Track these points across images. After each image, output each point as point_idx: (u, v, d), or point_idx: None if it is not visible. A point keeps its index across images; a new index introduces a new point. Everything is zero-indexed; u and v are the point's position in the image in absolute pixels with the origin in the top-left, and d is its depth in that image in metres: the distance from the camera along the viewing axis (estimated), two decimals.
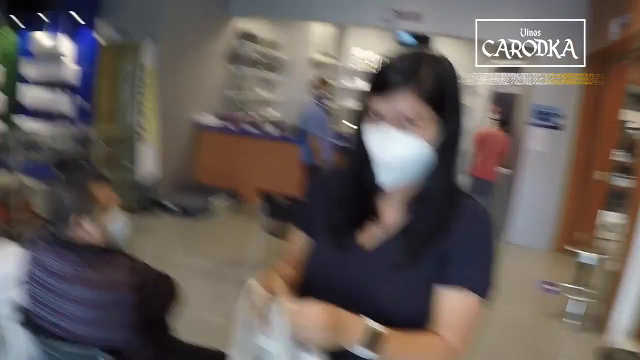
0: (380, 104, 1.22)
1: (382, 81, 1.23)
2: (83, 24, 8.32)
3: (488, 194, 8.10)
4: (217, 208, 8.12)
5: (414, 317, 1.26)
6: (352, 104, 12.59)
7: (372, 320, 1.13)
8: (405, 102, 1.19)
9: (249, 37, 9.88)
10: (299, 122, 7.21)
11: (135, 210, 7.41)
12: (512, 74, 8.68)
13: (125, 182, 7.77)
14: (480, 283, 1.28)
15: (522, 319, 5.47)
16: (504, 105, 8.79)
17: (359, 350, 1.10)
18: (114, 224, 2.08)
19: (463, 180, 8.04)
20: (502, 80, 9.00)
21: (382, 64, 1.26)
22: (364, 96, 1.29)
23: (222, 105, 9.78)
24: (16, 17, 8.67)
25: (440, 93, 1.22)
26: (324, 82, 7.09)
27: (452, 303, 1.25)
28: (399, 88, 1.19)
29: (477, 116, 10.59)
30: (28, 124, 8.60)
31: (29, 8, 8.45)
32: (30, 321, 1.98)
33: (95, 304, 1.87)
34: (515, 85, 8.64)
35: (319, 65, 12.10)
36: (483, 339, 4.88)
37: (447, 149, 1.26)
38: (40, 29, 8.60)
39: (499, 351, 4.70)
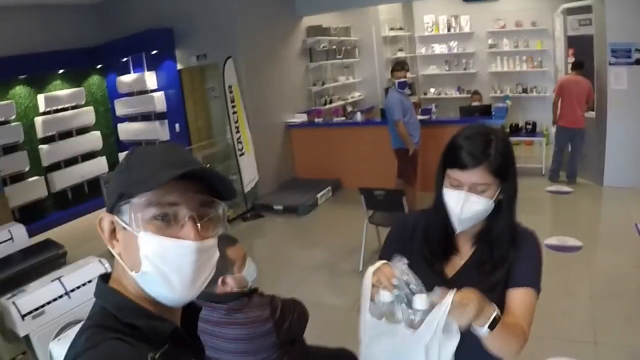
0: (459, 175, 1.67)
1: (460, 160, 1.66)
2: (163, 57, 9.00)
3: (578, 141, 8.16)
4: (320, 200, 8.56)
5: None
6: (432, 70, 12.73)
7: (496, 307, 1.53)
8: (478, 176, 1.65)
9: (320, 31, 10.18)
10: (384, 107, 7.41)
11: (247, 217, 8.00)
12: (582, 15, 8.61)
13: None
14: (533, 280, 1.74)
15: (623, 265, 5.43)
16: (581, 47, 8.65)
17: (482, 328, 1.51)
18: (247, 271, 2.55)
19: (551, 131, 8.05)
20: (573, 22, 8.91)
21: (459, 143, 1.68)
22: (441, 166, 1.74)
23: (309, 102, 10.20)
24: (102, 64, 9.51)
25: (504, 166, 1.67)
26: (402, 67, 7.13)
27: (518, 299, 1.70)
28: (474, 166, 1.64)
29: (557, 61, 10.52)
30: None
31: (113, 55, 9.17)
32: None
33: (244, 338, 2.35)
34: (588, 25, 8.49)
35: (392, 40, 12.28)
36: (586, 286, 5.08)
37: (508, 201, 1.74)
38: (124, 70, 9.38)
39: (600, 297, 4.78)
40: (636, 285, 5.02)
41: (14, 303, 3.54)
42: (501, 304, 1.67)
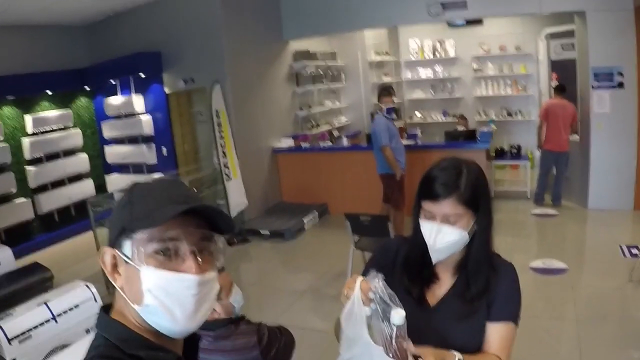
0: (432, 207, 1.72)
1: (432, 192, 1.71)
2: (150, 80, 9.02)
3: (563, 164, 8.24)
4: (307, 225, 8.55)
5: (476, 350, 1.75)
6: (417, 94, 12.83)
7: (458, 353, 1.59)
8: (449, 207, 1.69)
9: (306, 55, 10.26)
10: (371, 132, 7.37)
11: (234, 242, 7.98)
12: (565, 39, 8.76)
13: None
14: (512, 313, 1.77)
15: (608, 287, 5.47)
16: (564, 71, 8.80)
17: None
18: (234, 298, 2.55)
19: (535, 154, 8.14)
20: (556, 46, 9.06)
21: (431, 176, 1.74)
22: (418, 199, 1.78)
23: (295, 126, 10.24)
24: (89, 86, 9.52)
25: (475, 197, 1.71)
26: (389, 93, 7.20)
27: (497, 332, 1.75)
28: (444, 198, 1.69)
29: (541, 85, 10.67)
30: (117, 179, 9.43)
31: (100, 77, 9.19)
32: None
33: None
34: (571, 50, 8.64)
35: (378, 65, 12.38)
36: (571, 308, 5.11)
37: (483, 231, 1.76)
38: (112, 92, 9.40)
39: (586, 320, 4.79)
40: (621, 307, 5.10)
41: (0, 327, 3.52)
42: (479, 335, 1.76)
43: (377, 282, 1.51)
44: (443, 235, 1.70)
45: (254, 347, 2.37)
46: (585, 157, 8.03)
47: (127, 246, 1.08)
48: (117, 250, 1.10)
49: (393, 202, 7.07)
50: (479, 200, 1.72)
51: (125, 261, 1.09)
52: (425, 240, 1.75)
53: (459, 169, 1.73)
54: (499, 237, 1.86)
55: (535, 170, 9.56)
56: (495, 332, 1.75)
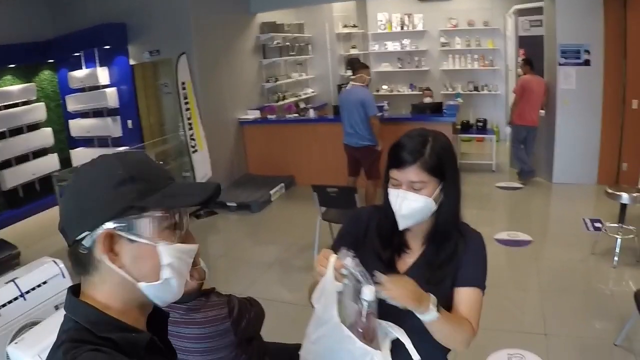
0: (397, 175, 1.77)
1: (398, 159, 1.76)
2: (115, 52, 8.84)
3: (531, 139, 8.34)
4: (274, 197, 8.56)
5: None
6: (384, 67, 12.82)
7: (433, 296, 1.62)
8: (413, 174, 1.73)
9: (273, 27, 10.16)
10: (359, 103, 7.00)
11: (200, 215, 7.92)
12: (534, 16, 8.80)
13: None
14: (478, 279, 1.83)
15: (571, 259, 5.59)
16: (532, 47, 8.84)
17: (429, 311, 1.59)
18: (202, 263, 2.52)
19: (507, 130, 8.15)
20: (524, 23, 9.10)
21: (398, 144, 1.78)
22: (387, 168, 1.82)
23: (262, 98, 10.17)
24: (53, 59, 9.29)
25: (440, 164, 1.74)
26: (365, 66, 7.26)
27: (465, 297, 1.81)
28: (409, 164, 1.73)
29: (508, 60, 10.74)
30: (82, 153, 9.25)
31: (64, 49, 8.98)
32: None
33: (203, 337, 2.36)
34: (539, 27, 8.69)
35: (346, 37, 12.33)
36: (535, 279, 5.20)
37: (450, 199, 1.80)
38: (76, 65, 9.18)
39: (550, 290, 4.91)
40: (584, 279, 5.20)
41: None
42: (448, 300, 1.81)
43: (349, 260, 1.54)
44: (408, 201, 1.74)
45: (225, 319, 2.38)
46: (550, 132, 8.15)
47: (138, 224, 1.07)
48: (117, 230, 1.06)
49: (374, 174, 6.97)
50: (444, 168, 1.75)
51: (131, 239, 1.07)
52: (392, 206, 1.79)
53: (425, 137, 1.77)
54: (464, 209, 1.89)
55: (501, 144, 9.66)
56: (463, 297, 1.81)
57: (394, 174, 1.78)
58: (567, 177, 8.05)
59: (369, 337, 1.57)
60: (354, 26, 12.32)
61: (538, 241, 6.12)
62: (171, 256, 1.10)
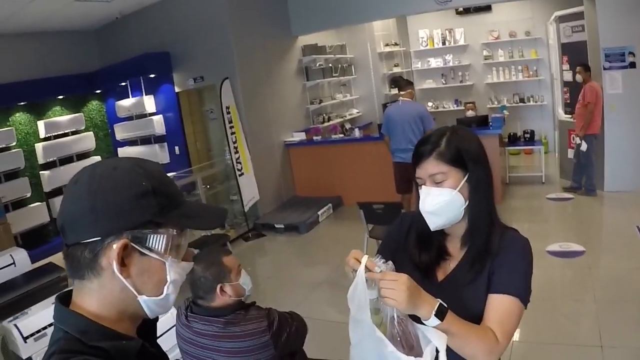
0: (419, 171, 1.71)
1: (417, 156, 1.72)
2: (160, 80, 9.08)
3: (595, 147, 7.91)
4: (321, 218, 8.56)
5: (478, 323, 1.66)
6: (428, 84, 12.77)
7: (442, 301, 1.50)
8: (431, 166, 1.67)
9: (315, 49, 10.25)
10: (417, 118, 6.98)
11: (249, 237, 8.00)
12: (575, 22, 8.65)
13: (236, 214, 8.42)
14: (517, 288, 1.65)
15: (626, 268, 5.41)
16: (575, 54, 8.67)
17: (430, 318, 1.49)
18: (243, 280, 2.56)
19: (582, 147, 7.78)
20: (566, 29, 8.95)
21: (417, 143, 1.74)
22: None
23: (307, 120, 10.25)
24: (100, 89, 9.61)
25: (459, 154, 1.67)
26: (410, 83, 7.29)
27: (497, 304, 1.64)
28: (426, 158, 1.68)
29: (552, 69, 10.58)
30: None
31: (110, 79, 9.25)
32: None
33: (243, 351, 2.34)
34: (581, 32, 8.53)
35: (388, 55, 12.35)
36: (590, 291, 5.06)
37: (477, 188, 1.70)
38: (123, 94, 9.48)
39: (605, 301, 4.74)
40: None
41: (16, 325, 3.55)
42: (480, 302, 1.67)
43: (380, 263, 1.51)
44: (432, 197, 1.67)
45: (264, 332, 2.36)
46: (599, 139, 7.89)
47: (152, 239, 1.07)
48: (131, 242, 1.04)
49: None
50: (465, 158, 1.68)
51: (143, 253, 1.06)
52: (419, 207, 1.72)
53: (442, 132, 1.73)
54: (515, 223, 1.82)
55: (550, 155, 9.49)
56: (494, 304, 1.64)
57: (417, 172, 1.72)
58: (618, 185, 7.82)
59: (408, 344, 1.52)
60: (396, 44, 12.31)
61: (591, 251, 5.95)
62: (176, 273, 1.12)
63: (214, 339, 2.37)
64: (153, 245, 1.07)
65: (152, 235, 1.06)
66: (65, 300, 1.10)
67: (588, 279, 5.33)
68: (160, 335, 3.34)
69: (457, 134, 1.72)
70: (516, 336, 4.31)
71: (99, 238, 1.02)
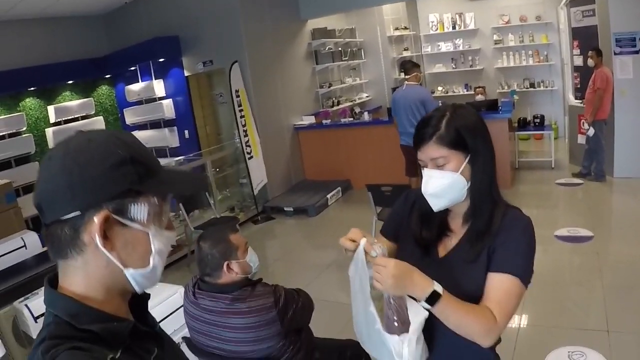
0: (420, 155, 1.72)
1: (418, 139, 1.71)
2: (170, 65, 9.10)
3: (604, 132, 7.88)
4: (330, 201, 8.59)
5: (479, 301, 1.68)
6: (438, 68, 12.72)
7: (438, 284, 1.53)
8: (432, 150, 1.67)
9: (325, 33, 10.23)
10: (419, 101, 7.03)
11: (258, 220, 8.04)
12: (587, 6, 8.58)
13: (245, 197, 8.45)
14: (518, 267, 1.64)
15: (635, 255, 5.40)
16: (586, 38, 8.60)
17: (421, 301, 1.52)
18: (250, 258, 2.59)
19: (590, 132, 7.73)
20: (577, 13, 8.88)
21: (418, 124, 1.74)
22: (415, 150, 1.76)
23: (316, 104, 10.25)
24: (110, 74, 9.60)
25: (459, 136, 1.66)
26: (416, 65, 7.30)
27: (496, 283, 1.64)
28: (427, 141, 1.68)
29: (563, 54, 10.51)
30: None
31: (120, 64, 9.28)
32: (193, 347, 2.60)
33: (249, 327, 2.38)
34: (592, 16, 8.46)
35: (398, 39, 12.31)
36: (597, 276, 5.06)
37: (479, 168, 1.69)
38: (133, 79, 9.53)
39: (612, 287, 4.74)
40: None
41: (26, 306, 3.58)
42: (480, 281, 1.67)
43: (377, 248, 1.57)
44: (434, 179, 1.68)
45: (271, 308, 2.40)
46: (609, 125, 7.84)
47: (133, 209, 1.03)
48: (112, 213, 1.01)
49: None
50: (465, 140, 1.67)
51: (124, 224, 1.03)
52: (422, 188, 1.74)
53: (442, 112, 1.71)
54: (524, 208, 1.78)
55: (560, 140, 9.46)
56: (493, 283, 1.64)
57: (419, 155, 1.72)
58: (628, 171, 7.76)
59: (401, 319, 1.57)
60: (405, 28, 12.26)
61: (600, 237, 5.95)
62: (160, 242, 1.08)
63: (221, 315, 2.41)
64: (134, 215, 1.03)
65: (132, 205, 1.03)
66: (55, 282, 1.07)
67: (596, 264, 5.32)
68: (170, 315, 3.40)
69: (457, 114, 1.70)
70: (523, 320, 4.34)
71: (79, 213, 0.98)
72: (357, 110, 10.58)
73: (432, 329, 1.68)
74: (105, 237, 1.00)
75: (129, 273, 1.05)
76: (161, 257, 1.09)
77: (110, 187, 0.99)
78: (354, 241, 1.63)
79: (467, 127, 1.68)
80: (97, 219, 0.98)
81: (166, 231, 1.11)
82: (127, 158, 1.02)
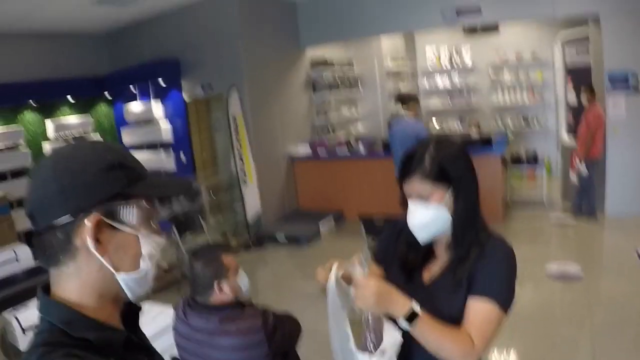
0: (405, 187, 1.77)
1: (403, 172, 1.76)
2: (169, 87, 9.12)
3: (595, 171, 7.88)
4: (323, 232, 8.59)
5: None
6: (434, 104, 12.79)
7: (416, 304, 1.57)
8: (416, 184, 1.72)
9: (323, 63, 10.35)
10: (400, 135, 7.21)
11: (250, 247, 8.03)
12: (581, 45, 8.69)
13: (239, 223, 8.45)
14: (496, 292, 1.68)
15: (625, 293, 5.42)
16: (580, 76, 8.68)
17: (400, 321, 1.57)
18: (241, 280, 2.61)
19: (583, 171, 7.75)
20: (571, 51, 8.99)
21: (403, 158, 1.78)
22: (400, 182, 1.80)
23: (312, 133, 10.29)
24: (109, 93, 9.64)
25: (442, 170, 1.70)
26: (413, 99, 7.39)
27: (474, 307, 1.67)
28: (411, 176, 1.73)
29: (557, 91, 10.61)
30: None
31: (120, 84, 9.30)
32: None
33: (237, 348, 2.39)
34: (586, 54, 8.57)
35: (395, 74, 12.42)
36: (587, 314, 5.07)
37: (463, 200, 1.73)
38: (132, 99, 9.53)
39: (602, 325, 4.74)
40: (638, 313, 5.00)
41: (15, 317, 3.58)
42: (461, 309, 1.70)
43: (358, 269, 1.63)
44: (419, 212, 1.73)
45: (259, 330, 2.41)
46: (601, 163, 7.90)
47: (124, 212, 1.06)
48: (103, 217, 1.03)
49: None
50: (448, 174, 1.71)
51: (115, 227, 1.05)
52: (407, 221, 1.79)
53: (426, 145, 1.75)
54: (516, 244, 1.80)
55: (554, 179, 9.52)
56: (471, 308, 1.68)
57: (404, 187, 1.78)
58: (620, 209, 7.79)
59: (378, 341, 1.62)
60: (402, 59, 12.37)
61: (590, 275, 5.97)
62: (150, 246, 1.11)
63: (210, 334, 2.42)
64: (125, 218, 1.06)
65: (123, 208, 1.06)
66: (49, 290, 1.09)
67: (585, 301, 5.35)
68: (158, 333, 3.38)
69: (440, 148, 1.75)
70: (512, 355, 4.34)
71: (71, 217, 1.01)
72: (353, 141, 10.62)
73: (411, 353, 1.72)
74: (97, 240, 1.02)
75: (121, 277, 1.07)
76: (151, 260, 1.11)
77: (101, 191, 1.03)
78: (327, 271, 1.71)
79: (449, 160, 1.73)
80: (89, 223, 1.01)
81: (156, 236, 1.13)
82: (116, 163, 1.06)
